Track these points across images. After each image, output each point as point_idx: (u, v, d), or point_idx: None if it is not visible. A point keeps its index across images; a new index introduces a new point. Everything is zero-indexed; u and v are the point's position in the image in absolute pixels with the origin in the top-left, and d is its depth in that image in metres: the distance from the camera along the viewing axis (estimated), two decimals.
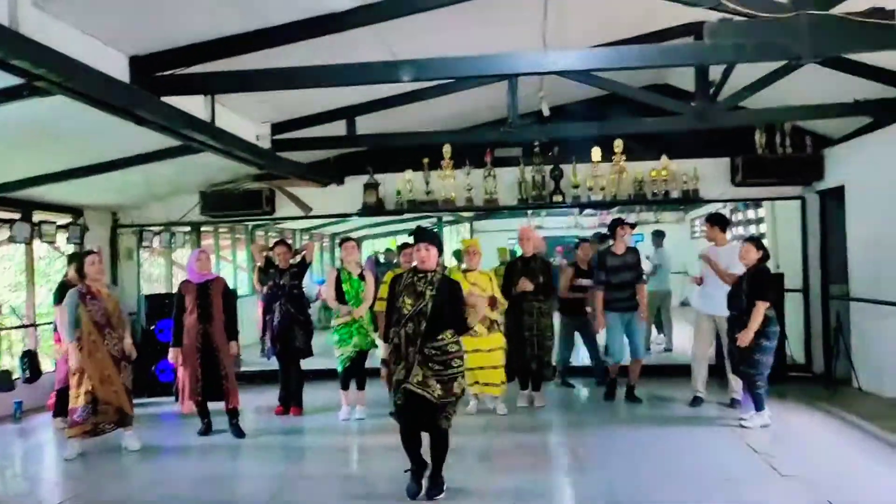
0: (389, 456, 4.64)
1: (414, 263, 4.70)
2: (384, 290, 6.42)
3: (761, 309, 6.01)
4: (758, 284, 6.12)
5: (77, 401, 5.82)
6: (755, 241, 6.46)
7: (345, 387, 6.91)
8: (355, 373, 6.90)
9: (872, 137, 7.22)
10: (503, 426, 6.57)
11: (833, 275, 8.29)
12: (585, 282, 7.82)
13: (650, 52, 5.15)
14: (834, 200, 8.14)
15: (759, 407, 6.22)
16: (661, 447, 5.74)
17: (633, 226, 7.57)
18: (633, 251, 7.42)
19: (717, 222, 7.05)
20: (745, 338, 6.02)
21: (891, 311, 6.78)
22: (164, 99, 4.76)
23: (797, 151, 8.26)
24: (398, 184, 8.74)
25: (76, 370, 5.83)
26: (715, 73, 6.31)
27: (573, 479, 5.12)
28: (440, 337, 4.48)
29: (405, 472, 4.62)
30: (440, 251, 4.64)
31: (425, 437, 4.59)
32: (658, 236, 10.47)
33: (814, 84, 6.62)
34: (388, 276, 6.43)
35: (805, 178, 8.33)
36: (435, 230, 5.22)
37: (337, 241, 17.57)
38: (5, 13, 3.51)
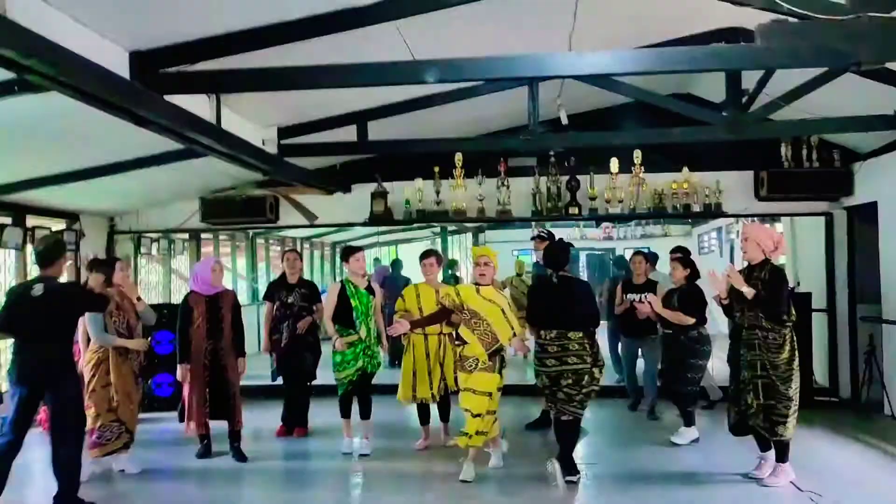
0: (401, 486, 4.23)
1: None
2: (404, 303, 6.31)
3: (687, 318, 6.11)
4: (688, 304, 6.18)
5: (97, 420, 5.36)
6: (681, 258, 6.43)
7: (345, 415, 6.14)
8: (360, 398, 6.11)
9: None
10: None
11: (861, 295, 7.93)
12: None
13: (696, 54, 4.56)
14: (864, 217, 7.79)
15: (688, 422, 6.21)
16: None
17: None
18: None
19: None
20: (653, 304, 6.20)
21: None
22: (168, 98, 4.41)
23: (824, 165, 7.93)
24: (407, 192, 8.39)
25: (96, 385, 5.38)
26: (746, 81, 5.96)
27: None
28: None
29: None
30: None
31: None
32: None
33: (842, 95, 6.27)
34: (409, 291, 6.39)
35: (832, 193, 7.99)
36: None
37: (338, 249, 17.24)
38: None
